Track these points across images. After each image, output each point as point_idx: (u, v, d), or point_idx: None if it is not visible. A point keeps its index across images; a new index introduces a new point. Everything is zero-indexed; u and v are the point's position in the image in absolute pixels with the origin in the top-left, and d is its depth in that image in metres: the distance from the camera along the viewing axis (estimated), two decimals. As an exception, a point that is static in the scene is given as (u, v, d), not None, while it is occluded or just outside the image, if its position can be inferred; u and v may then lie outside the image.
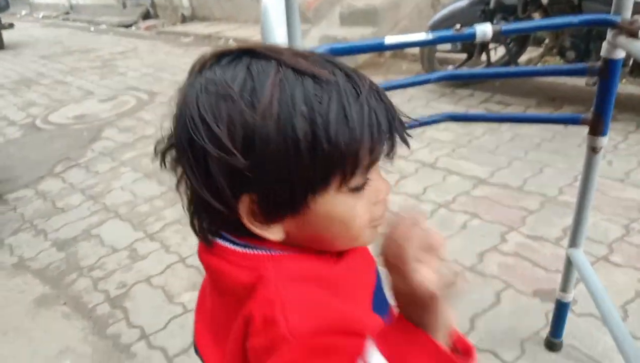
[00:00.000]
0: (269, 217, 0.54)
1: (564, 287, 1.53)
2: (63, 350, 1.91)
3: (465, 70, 3.42)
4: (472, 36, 1.13)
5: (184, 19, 8.73)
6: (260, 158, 0.49)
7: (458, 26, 1.12)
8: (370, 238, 0.60)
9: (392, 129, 0.52)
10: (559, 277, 1.56)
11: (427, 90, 3.94)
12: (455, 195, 2.58)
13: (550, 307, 1.76)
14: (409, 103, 3.78)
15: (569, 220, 2.29)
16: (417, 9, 5.48)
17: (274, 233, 0.55)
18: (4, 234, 2.82)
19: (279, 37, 0.68)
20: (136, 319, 2.02)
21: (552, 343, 1.62)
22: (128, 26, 9.43)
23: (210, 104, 0.50)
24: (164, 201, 2.91)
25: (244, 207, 0.52)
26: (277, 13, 0.66)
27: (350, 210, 0.54)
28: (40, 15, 13.34)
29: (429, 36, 1.14)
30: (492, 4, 3.46)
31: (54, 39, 9.50)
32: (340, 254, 0.60)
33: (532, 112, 3.50)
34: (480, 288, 1.94)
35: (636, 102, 3.35)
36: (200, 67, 0.54)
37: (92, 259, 2.46)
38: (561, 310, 1.57)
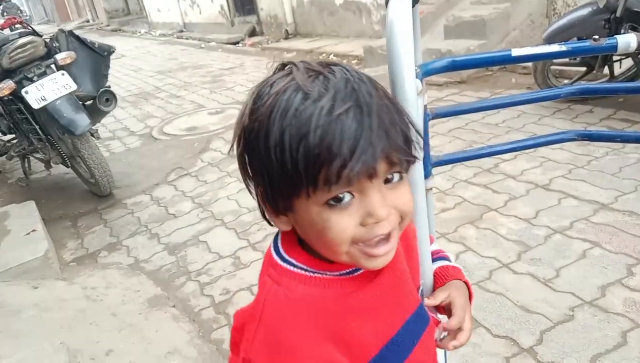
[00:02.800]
0: (273, 208, 0.59)
1: None
2: (171, 351, 2.00)
3: (604, 84, 3.15)
4: (614, 48, 1.02)
5: (287, 35, 9.03)
6: (249, 156, 0.58)
7: (597, 37, 1.02)
8: (359, 260, 0.58)
9: (355, 150, 0.51)
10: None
11: (540, 105, 3.68)
12: (573, 220, 2.37)
13: (691, 354, 1.55)
14: (519, 119, 3.55)
15: None
16: (529, 20, 5.20)
17: (283, 223, 0.61)
18: (123, 236, 3.06)
19: (405, 50, 0.67)
20: (238, 327, 2.08)
21: (695, 397, 1.42)
22: (235, 43, 9.95)
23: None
24: (266, 212, 2.99)
25: (259, 195, 0.60)
26: (404, 26, 0.65)
27: (322, 222, 0.55)
28: (157, 33, 14.52)
29: (563, 47, 1.04)
30: (619, 12, 3.17)
31: (169, 56, 10.29)
32: (374, 275, 0.62)
33: (663, 130, 3.15)
34: (602, 325, 1.75)
35: None
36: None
37: (199, 264, 2.59)
38: None
